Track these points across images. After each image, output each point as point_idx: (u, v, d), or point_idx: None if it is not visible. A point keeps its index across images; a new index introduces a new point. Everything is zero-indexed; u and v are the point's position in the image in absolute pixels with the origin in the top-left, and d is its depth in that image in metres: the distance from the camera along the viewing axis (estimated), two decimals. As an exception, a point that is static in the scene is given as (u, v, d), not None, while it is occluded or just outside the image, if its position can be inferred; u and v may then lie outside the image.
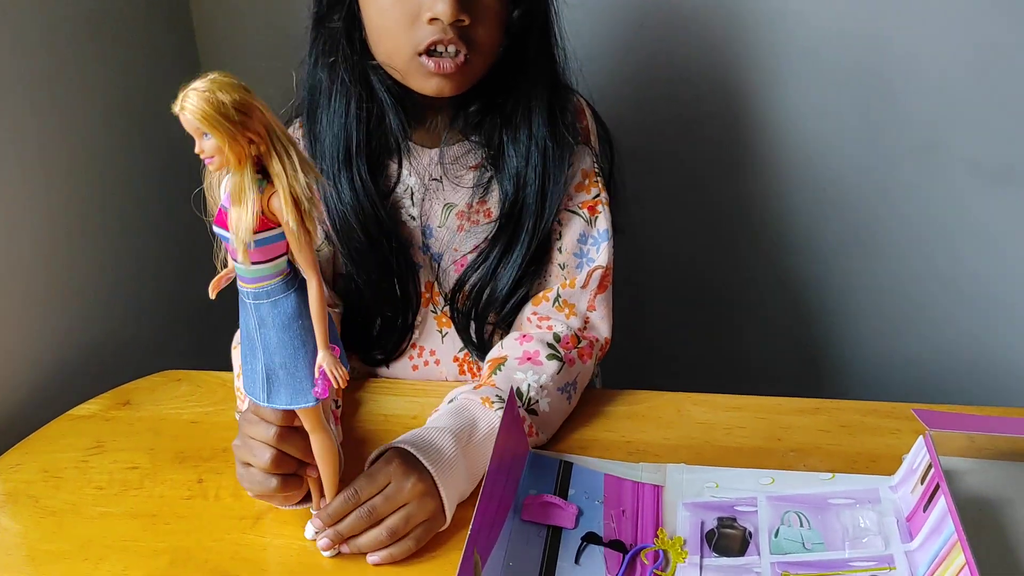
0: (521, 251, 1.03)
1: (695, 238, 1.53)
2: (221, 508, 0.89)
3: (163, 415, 1.04)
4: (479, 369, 1.09)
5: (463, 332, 1.06)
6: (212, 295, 0.74)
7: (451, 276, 1.06)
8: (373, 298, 1.05)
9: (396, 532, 0.81)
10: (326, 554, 0.81)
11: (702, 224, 1.52)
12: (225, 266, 0.73)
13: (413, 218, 1.05)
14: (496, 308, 1.04)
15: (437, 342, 1.09)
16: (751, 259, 1.53)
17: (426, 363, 1.10)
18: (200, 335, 1.18)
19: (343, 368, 0.73)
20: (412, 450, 0.83)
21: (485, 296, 1.04)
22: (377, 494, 0.81)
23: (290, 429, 0.79)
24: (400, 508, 0.81)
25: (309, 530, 0.83)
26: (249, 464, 0.81)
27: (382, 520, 0.81)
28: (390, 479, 0.82)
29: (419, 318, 1.08)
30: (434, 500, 0.82)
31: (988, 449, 0.92)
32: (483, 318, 1.05)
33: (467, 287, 1.05)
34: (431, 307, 1.08)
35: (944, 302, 1.49)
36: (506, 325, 1.06)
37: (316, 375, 0.73)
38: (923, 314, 1.50)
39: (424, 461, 0.83)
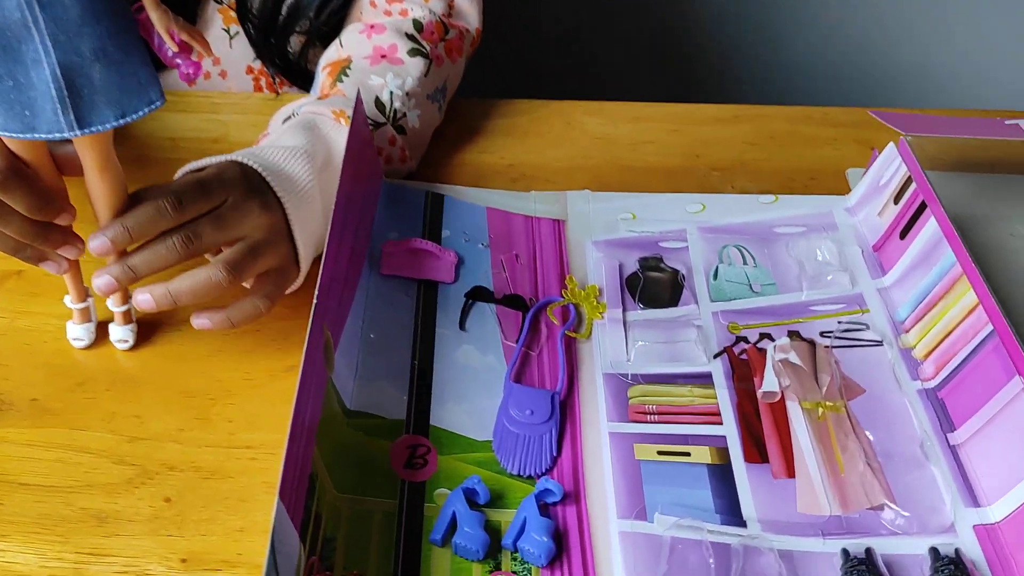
0: None
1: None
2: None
3: None
4: (285, 86, 0.81)
5: (258, 45, 0.76)
6: None
7: None
8: None
9: (238, 270, 0.52)
10: (116, 309, 0.55)
11: None
12: None
13: None
14: (305, 16, 0.75)
15: (223, 45, 0.79)
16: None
17: (207, 76, 0.80)
18: None
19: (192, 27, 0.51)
20: (257, 167, 0.55)
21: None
22: (207, 213, 0.52)
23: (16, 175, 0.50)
24: (239, 241, 0.53)
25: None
26: None
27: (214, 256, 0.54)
28: (228, 195, 0.53)
29: (198, 9, 0.77)
30: (286, 243, 0.55)
31: (942, 160, 0.76)
32: (287, 29, 0.75)
33: None
34: None
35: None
36: (320, 38, 0.77)
37: (171, 44, 0.51)
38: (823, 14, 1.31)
39: (274, 185, 0.55)
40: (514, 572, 0.47)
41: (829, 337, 0.58)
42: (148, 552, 0.47)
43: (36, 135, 0.46)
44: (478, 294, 0.61)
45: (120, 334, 0.56)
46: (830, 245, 0.64)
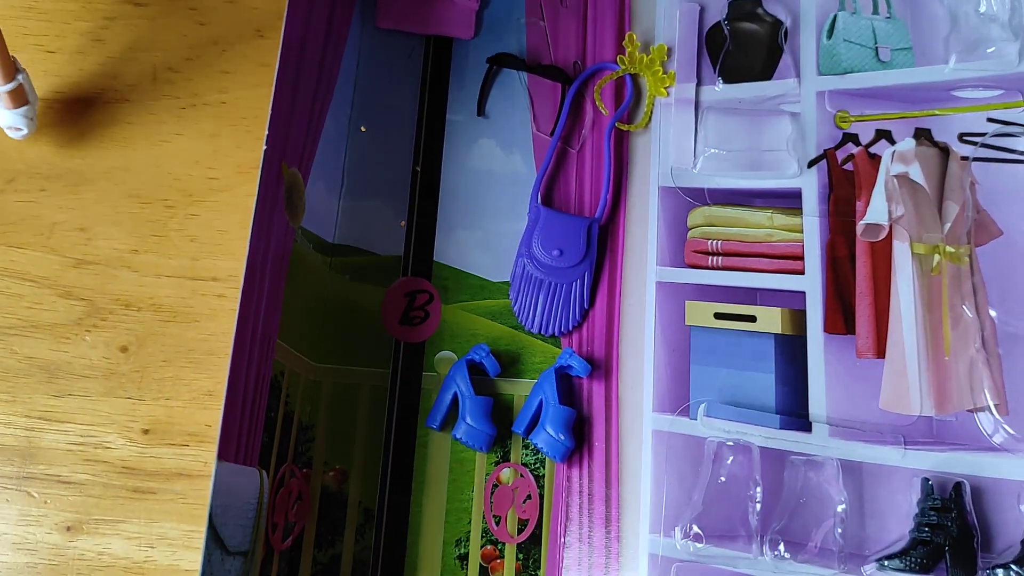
0: None
1: None
2: None
3: None
4: None
5: None
6: None
7: None
8: None
9: None
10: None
11: None
12: None
13: None
14: None
15: None
16: None
17: None
18: None
19: None
20: None
21: None
22: None
23: None
24: None
25: None
26: None
27: None
28: None
29: None
30: None
31: None
32: None
33: None
34: None
35: None
36: None
37: None
38: None
39: None
40: (525, 464, 0.40)
41: (972, 143, 0.44)
42: (106, 419, 0.41)
43: None
44: (504, 60, 0.46)
45: (9, 120, 0.44)
46: (1003, -13, 0.46)
